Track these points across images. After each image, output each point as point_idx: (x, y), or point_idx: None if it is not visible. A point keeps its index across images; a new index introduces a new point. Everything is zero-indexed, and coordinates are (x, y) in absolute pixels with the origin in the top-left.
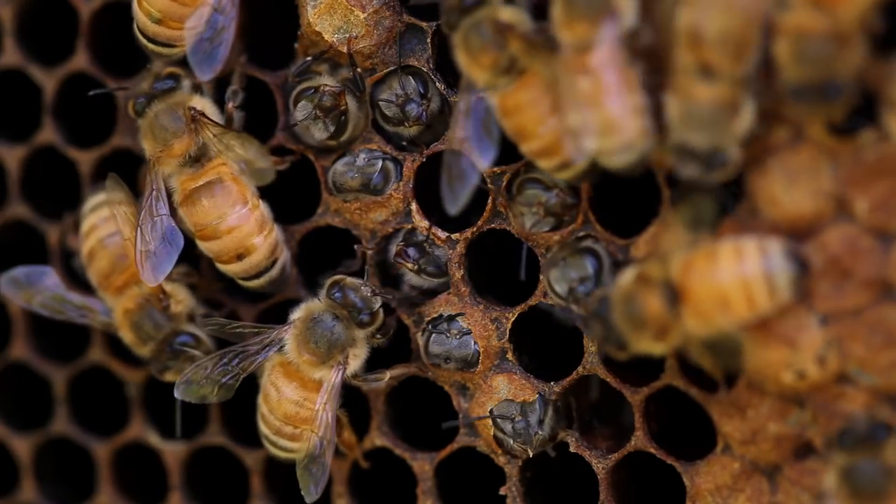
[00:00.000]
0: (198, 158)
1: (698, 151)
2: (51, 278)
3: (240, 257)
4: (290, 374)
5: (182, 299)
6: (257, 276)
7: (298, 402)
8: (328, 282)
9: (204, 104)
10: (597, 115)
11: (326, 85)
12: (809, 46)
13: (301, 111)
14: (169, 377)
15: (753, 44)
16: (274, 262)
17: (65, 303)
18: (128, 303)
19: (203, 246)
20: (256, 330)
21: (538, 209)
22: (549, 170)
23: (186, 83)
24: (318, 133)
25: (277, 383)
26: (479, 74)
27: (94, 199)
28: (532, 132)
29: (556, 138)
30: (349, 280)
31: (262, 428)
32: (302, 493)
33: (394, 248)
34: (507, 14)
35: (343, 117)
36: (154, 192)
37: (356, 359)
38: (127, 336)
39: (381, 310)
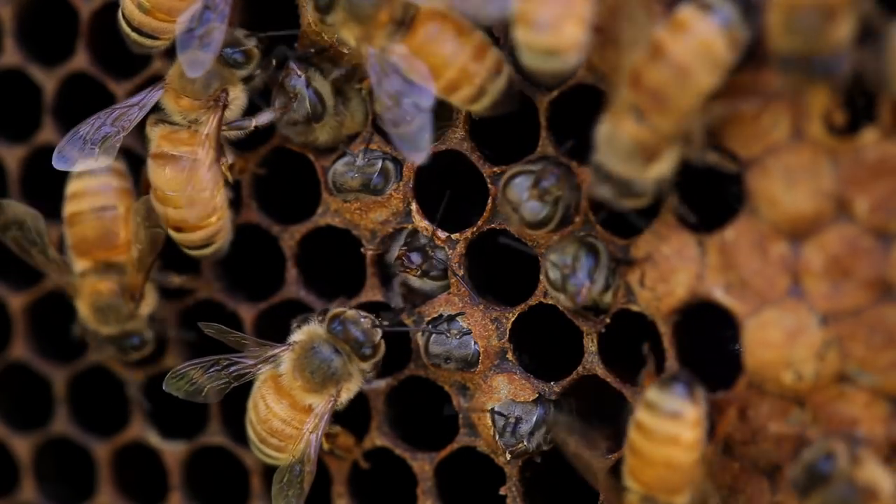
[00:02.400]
0: (190, 124)
1: (614, 176)
2: (41, 222)
3: (178, 229)
4: (280, 391)
5: (149, 302)
6: (188, 247)
7: (286, 420)
8: (329, 314)
9: (238, 99)
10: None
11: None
12: (799, 16)
13: (277, 105)
14: (102, 357)
15: (690, 110)
16: (208, 244)
17: (41, 250)
18: (101, 285)
19: (151, 200)
20: (255, 343)
21: (532, 192)
22: (464, 101)
23: (249, 69)
24: (298, 112)
25: (267, 398)
26: (378, 35)
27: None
28: (440, 64)
29: (466, 65)
30: (350, 313)
31: (249, 433)
32: None
33: (396, 253)
34: None
35: (312, 89)
36: (139, 105)
37: (347, 392)
38: (83, 310)
39: (382, 341)
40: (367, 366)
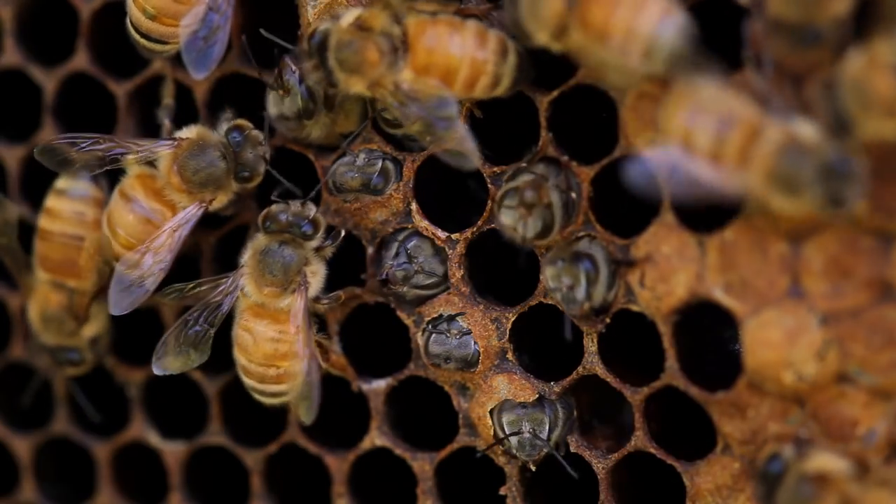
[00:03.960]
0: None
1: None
2: (12, 214)
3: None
4: (258, 313)
5: (96, 324)
6: None
7: (274, 337)
8: (259, 218)
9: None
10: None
11: (279, 67)
12: None
13: (272, 105)
14: (36, 363)
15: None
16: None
17: (9, 241)
18: (52, 296)
19: (102, 225)
20: (213, 283)
21: (519, 210)
22: (486, 91)
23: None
24: (289, 108)
25: (249, 326)
26: (382, 74)
27: (67, 182)
28: (454, 64)
29: (474, 56)
30: (274, 206)
31: (247, 381)
32: (300, 417)
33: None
34: (347, 16)
35: (304, 87)
36: (143, 150)
37: (315, 276)
38: (32, 312)
39: (318, 215)
40: (315, 243)
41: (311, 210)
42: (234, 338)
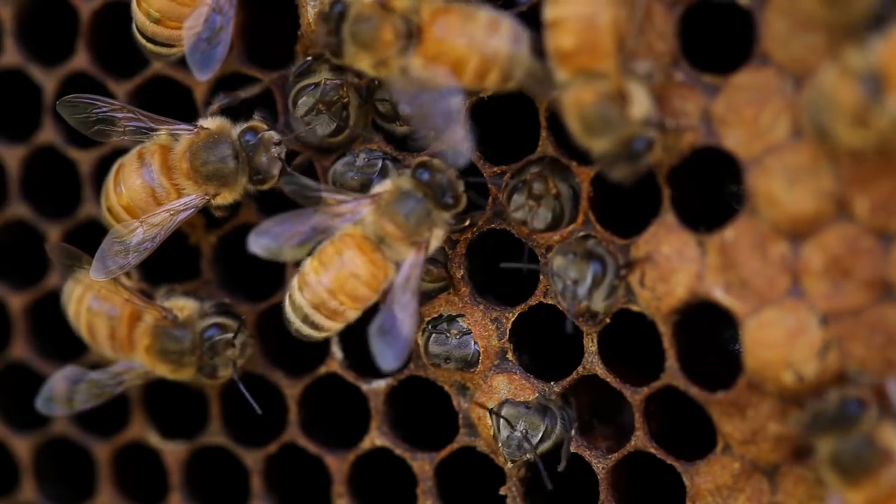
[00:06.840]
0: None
1: (613, 150)
2: (72, 372)
3: (110, 210)
4: (361, 246)
5: (183, 305)
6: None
7: (362, 277)
8: (415, 162)
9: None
10: None
11: (328, 79)
12: None
13: (302, 108)
14: (223, 374)
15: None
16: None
17: (99, 384)
18: (143, 340)
19: (108, 181)
20: (335, 199)
21: (529, 203)
22: (497, 84)
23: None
24: (321, 128)
25: (343, 252)
26: (390, 56)
27: (67, 289)
28: (464, 56)
29: (484, 47)
30: (436, 162)
31: (299, 297)
32: (380, 363)
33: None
34: None
35: (345, 111)
36: (160, 129)
37: (436, 240)
38: (163, 369)
39: (464, 195)
40: (445, 216)
41: (461, 187)
42: (316, 252)
